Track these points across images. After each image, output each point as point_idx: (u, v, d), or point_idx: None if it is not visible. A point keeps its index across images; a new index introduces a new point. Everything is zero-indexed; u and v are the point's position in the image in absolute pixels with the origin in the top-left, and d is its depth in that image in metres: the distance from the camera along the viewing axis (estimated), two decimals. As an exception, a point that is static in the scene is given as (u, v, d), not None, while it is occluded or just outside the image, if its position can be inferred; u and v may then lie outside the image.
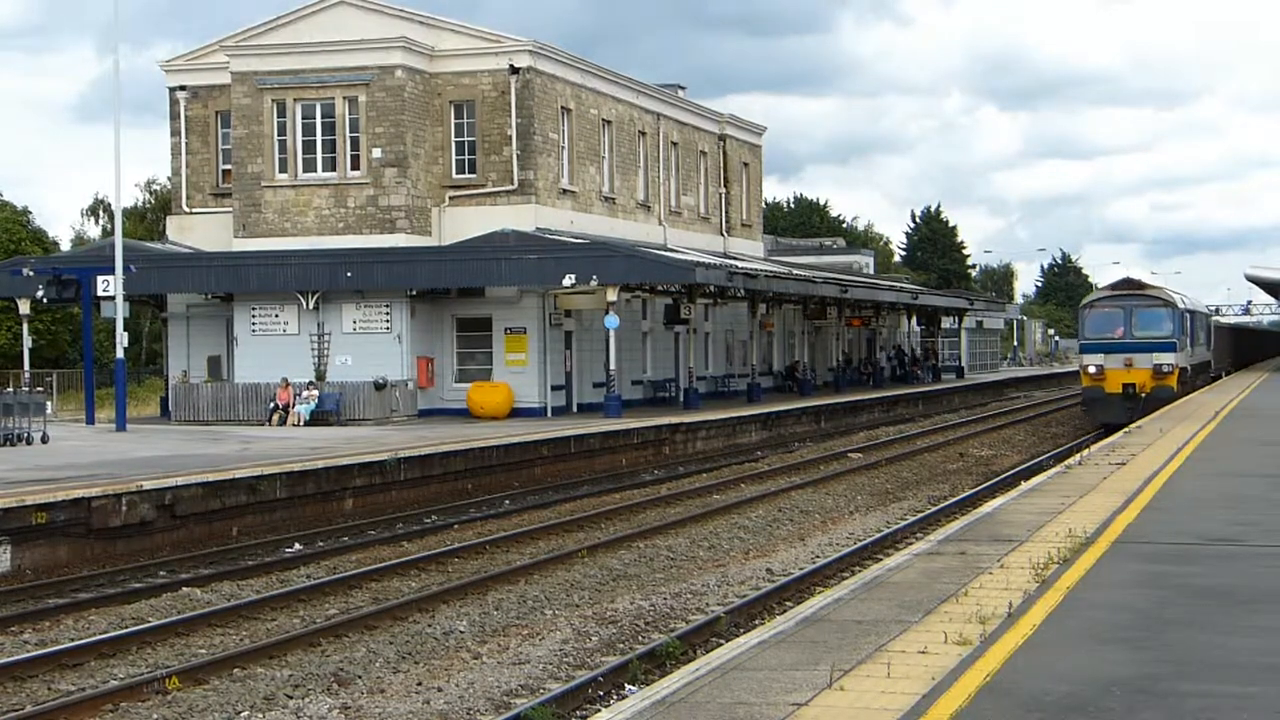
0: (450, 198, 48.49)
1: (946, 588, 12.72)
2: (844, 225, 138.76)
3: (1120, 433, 32.92)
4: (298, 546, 25.46)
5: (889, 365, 76.19)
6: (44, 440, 34.84)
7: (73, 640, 17.36)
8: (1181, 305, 47.06)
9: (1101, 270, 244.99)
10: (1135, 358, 44.28)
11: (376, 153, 46.67)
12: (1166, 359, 44.40)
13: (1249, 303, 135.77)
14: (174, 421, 45.18)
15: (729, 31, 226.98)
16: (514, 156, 47.94)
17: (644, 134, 56.89)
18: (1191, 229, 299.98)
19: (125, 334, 40.77)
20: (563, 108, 50.25)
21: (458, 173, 48.62)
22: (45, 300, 45.42)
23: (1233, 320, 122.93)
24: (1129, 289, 46.41)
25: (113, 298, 40.56)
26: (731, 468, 39.19)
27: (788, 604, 18.19)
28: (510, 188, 48.04)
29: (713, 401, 53.70)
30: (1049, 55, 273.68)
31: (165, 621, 18.31)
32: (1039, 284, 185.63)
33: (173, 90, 51.07)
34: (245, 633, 18.07)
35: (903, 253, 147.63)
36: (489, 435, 36.46)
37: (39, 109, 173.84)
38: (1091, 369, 44.78)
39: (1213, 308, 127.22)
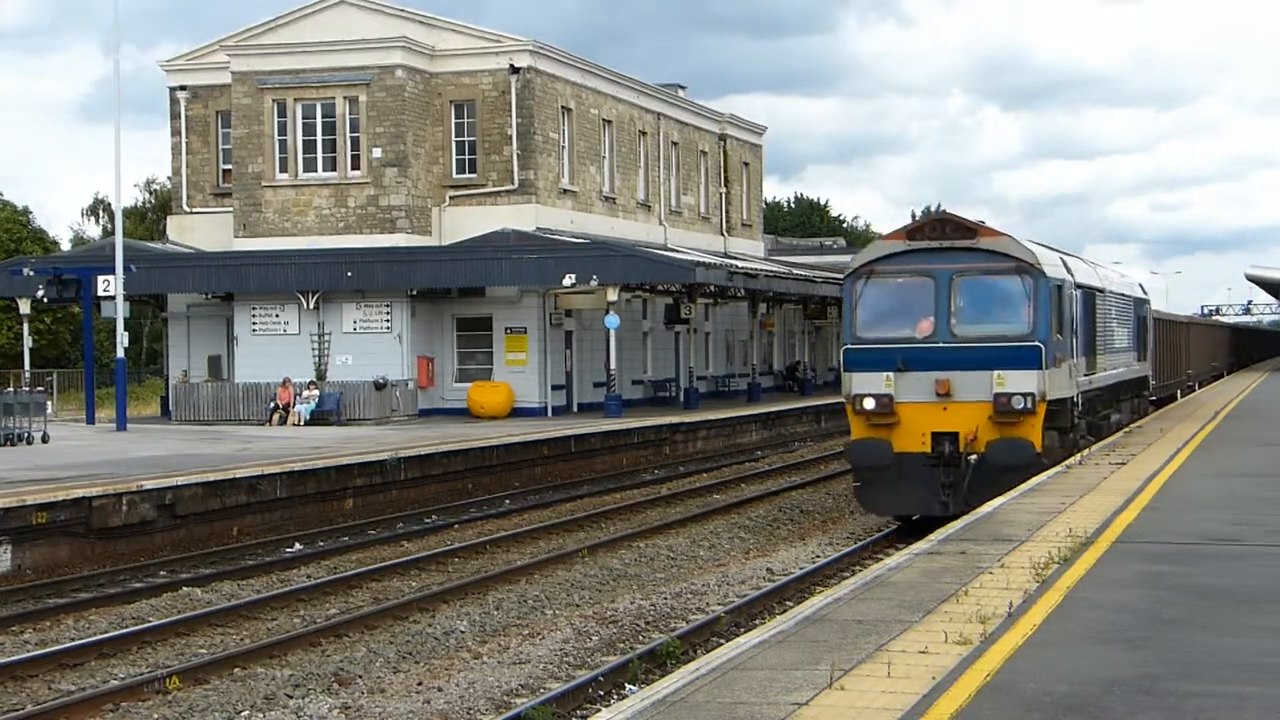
0: (450, 197, 48.50)
1: (947, 587, 12.72)
2: (844, 225, 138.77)
3: (1120, 432, 31.27)
4: (298, 546, 25.47)
5: None
6: (44, 440, 34.85)
7: (73, 640, 17.37)
8: (1055, 274, 24.13)
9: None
10: (957, 380, 22.70)
11: (377, 152, 46.67)
12: (1021, 381, 22.59)
13: (1249, 302, 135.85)
14: (174, 421, 45.19)
15: (730, 32, 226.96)
16: (514, 156, 47.94)
17: (644, 134, 56.89)
18: (1191, 229, 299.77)
19: (125, 334, 40.79)
20: (563, 107, 50.26)
21: (458, 172, 48.64)
22: (46, 300, 45.44)
23: (1231, 319, 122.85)
24: (943, 236, 23.45)
25: (113, 297, 40.57)
26: (732, 467, 39.22)
27: (788, 604, 18.20)
28: (510, 187, 48.04)
29: (713, 401, 53.71)
30: (1050, 56, 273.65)
31: (165, 621, 18.33)
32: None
33: (173, 90, 51.11)
34: (245, 632, 18.08)
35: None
36: (489, 435, 36.46)
37: (42, 109, 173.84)
38: (868, 402, 22.99)
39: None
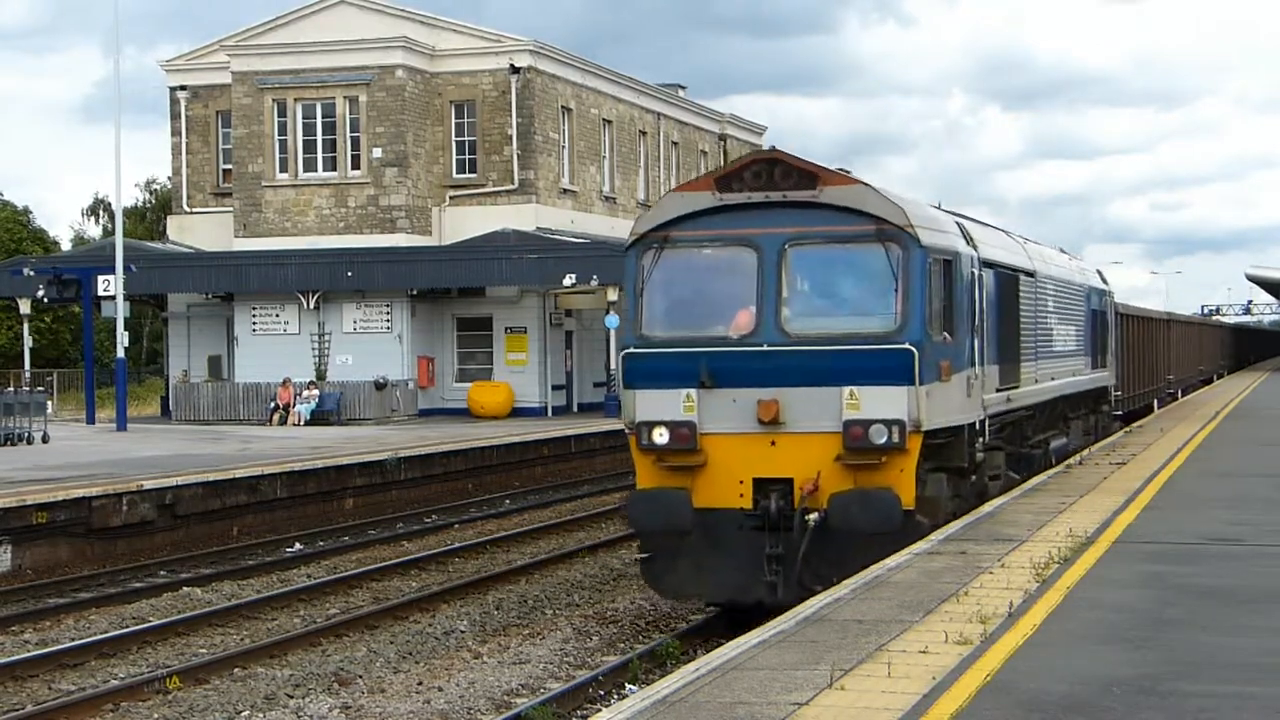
0: (451, 197, 48.51)
1: (947, 587, 12.71)
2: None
3: (1120, 433, 31.16)
4: (298, 546, 25.47)
5: None
6: (44, 440, 34.85)
7: (73, 640, 17.37)
8: (941, 243, 16.33)
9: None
10: (790, 400, 15.40)
11: (377, 152, 46.68)
12: (883, 403, 15.21)
13: (1249, 302, 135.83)
14: (174, 421, 45.19)
15: (731, 32, 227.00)
16: (514, 156, 47.95)
17: (644, 133, 56.91)
18: (1191, 229, 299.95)
19: (126, 334, 40.82)
20: (563, 107, 50.27)
21: (458, 172, 48.66)
22: (46, 300, 45.47)
23: (1231, 319, 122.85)
24: (770, 186, 15.77)
25: (113, 297, 40.59)
26: (732, 467, 39.14)
27: (788, 604, 18.19)
28: (511, 187, 48.05)
29: (713, 401, 53.64)
30: (1050, 56, 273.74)
31: (166, 621, 18.33)
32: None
33: (173, 90, 51.14)
34: (246, 632, 18.08)
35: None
36: (489, 435, 36.47)
37: (42, 109, 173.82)
38: (658, 434, 15.68)
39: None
